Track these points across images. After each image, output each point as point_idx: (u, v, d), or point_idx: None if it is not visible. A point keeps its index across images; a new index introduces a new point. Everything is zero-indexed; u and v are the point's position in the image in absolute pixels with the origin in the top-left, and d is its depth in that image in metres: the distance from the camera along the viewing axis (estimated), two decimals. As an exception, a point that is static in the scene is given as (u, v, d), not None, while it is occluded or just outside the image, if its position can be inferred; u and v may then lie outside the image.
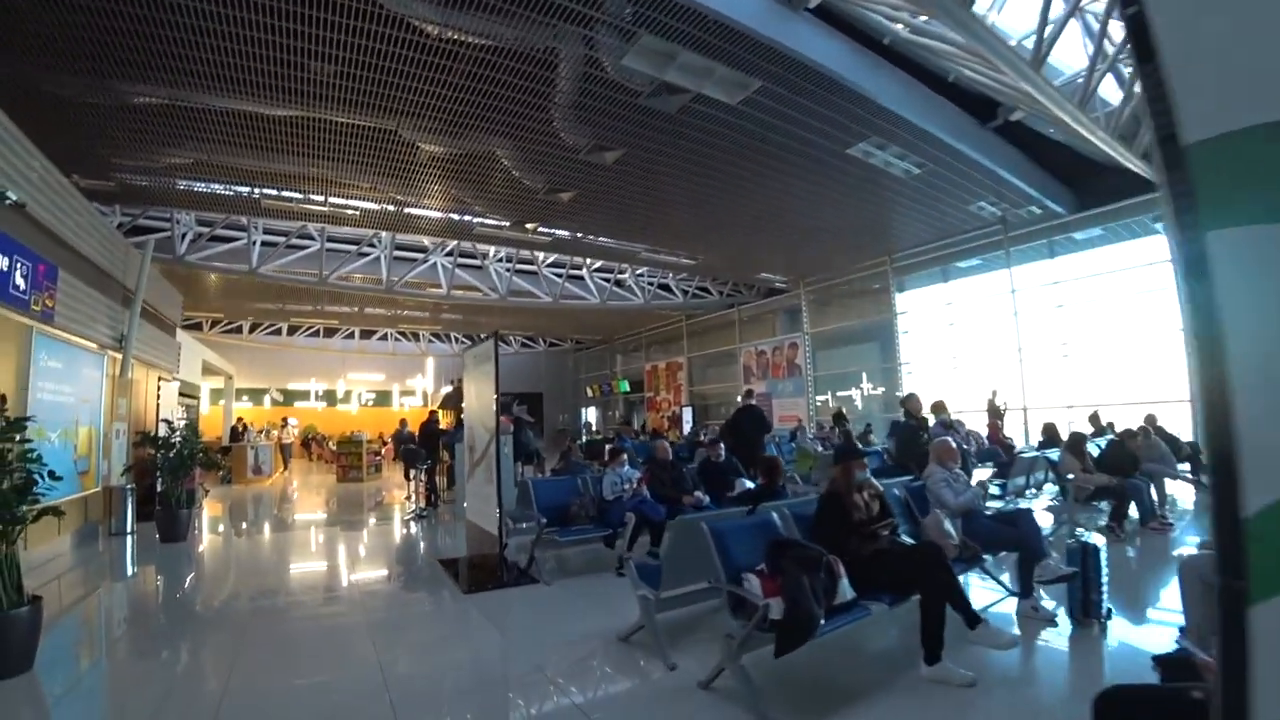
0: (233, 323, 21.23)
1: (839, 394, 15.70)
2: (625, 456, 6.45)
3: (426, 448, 9.60)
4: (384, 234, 14.49)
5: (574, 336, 27.07)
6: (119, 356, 8.40)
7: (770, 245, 13.45)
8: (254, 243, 12.91)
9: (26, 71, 5.94)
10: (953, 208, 10.95)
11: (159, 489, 7.70)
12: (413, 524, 8.68)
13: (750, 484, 6.12)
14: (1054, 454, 7.22)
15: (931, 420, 7.77)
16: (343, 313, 19.76)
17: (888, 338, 14.54)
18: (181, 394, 11.96)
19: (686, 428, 18.53)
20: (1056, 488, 7.42)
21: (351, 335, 23.71)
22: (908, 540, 3.85)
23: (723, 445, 7.16)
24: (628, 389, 24.03)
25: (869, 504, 3.69)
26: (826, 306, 16.28)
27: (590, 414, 27.35)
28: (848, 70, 6.59)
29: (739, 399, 10.83)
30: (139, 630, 4.66)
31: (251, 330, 21.85)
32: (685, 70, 6.26)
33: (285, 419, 17.03)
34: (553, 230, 12.12)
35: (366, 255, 14.58)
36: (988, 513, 4.57)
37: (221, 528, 9.10)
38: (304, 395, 22.71)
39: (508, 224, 11.45)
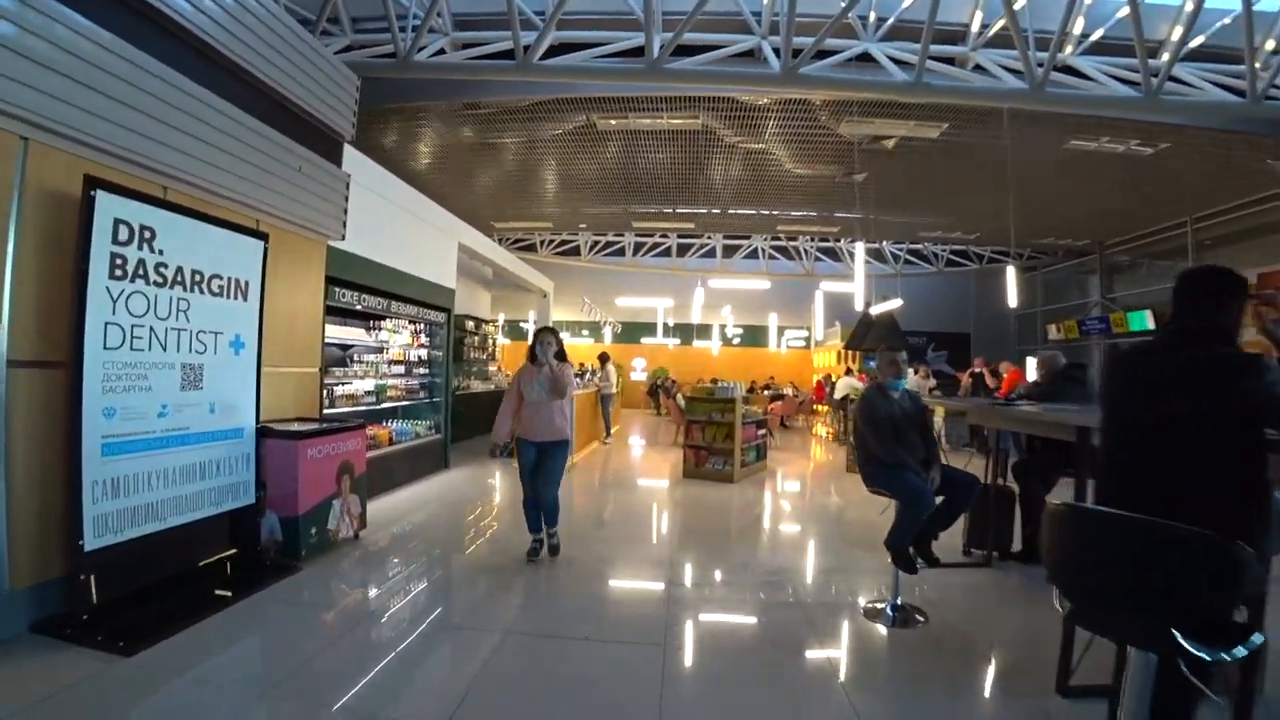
0: (569, 242, 16.89)
1: None
2: None
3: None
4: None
5: (1030, 245, 15.93)
6: None
7: None
8: (524, 48, 5.85)
9: None
10: None
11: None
12: None
13: None
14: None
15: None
16: (699, 215, 13.30)
17: None
18: (344, 285, 5.63)
19: None
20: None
21: (711, 253, 17.13)
22: None
23: None
24: (1148, 325, 13.43)
25: None
26: None
27: (1032, 370, 15.77)
28: None
29: None
30: None
31: (591, 250, 17.20)
32: None
33: (603, 356, 10.23)
34: None
35: (723, 47, 6.37)
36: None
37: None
38: (649, 329, 16.86)
39: None
